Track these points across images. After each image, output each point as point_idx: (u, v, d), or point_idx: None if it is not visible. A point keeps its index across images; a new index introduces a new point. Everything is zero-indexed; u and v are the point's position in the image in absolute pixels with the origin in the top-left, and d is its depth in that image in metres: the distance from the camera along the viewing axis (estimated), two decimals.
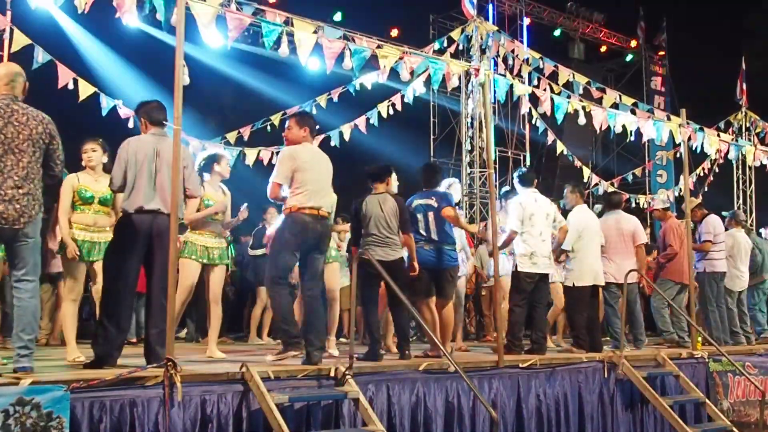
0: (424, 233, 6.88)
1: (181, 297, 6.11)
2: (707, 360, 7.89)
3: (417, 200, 7.00)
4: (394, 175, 7.00)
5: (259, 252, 9.47)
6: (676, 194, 14.64)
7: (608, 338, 8.53)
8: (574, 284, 7.87)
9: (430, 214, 6.90)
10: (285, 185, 5.71)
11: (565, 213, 8.30)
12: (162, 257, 5.08)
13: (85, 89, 7.62)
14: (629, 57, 21.32)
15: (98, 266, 5.91)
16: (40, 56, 7.21)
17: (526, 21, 18.16)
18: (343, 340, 9.03)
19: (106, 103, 8.25)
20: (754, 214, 17.20)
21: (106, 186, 5.76)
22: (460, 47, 13.89)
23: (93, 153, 6.08)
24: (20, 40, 6.97)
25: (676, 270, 8.80)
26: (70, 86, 7.49)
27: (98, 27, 12.06)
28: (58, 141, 4.76)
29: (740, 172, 17.45)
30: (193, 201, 6.22)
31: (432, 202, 6.95)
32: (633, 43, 21.05)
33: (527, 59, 12.11)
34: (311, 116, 6.22)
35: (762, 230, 11.46)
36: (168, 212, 5.07)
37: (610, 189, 14.61)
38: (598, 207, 10.60)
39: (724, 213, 9.94)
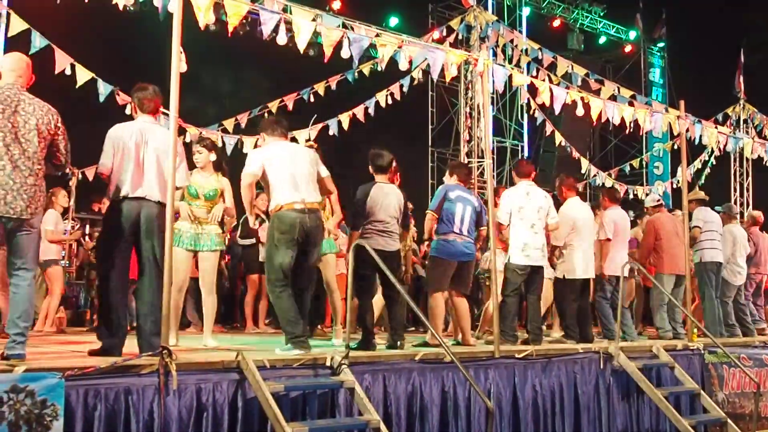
0: (459, 226, 6.93)
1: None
2: (703, 351, 7.89)
3: (458, 192, 7.03)
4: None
5: (248, 242, 9.43)
6: (674, 186, 14.64)
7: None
8: (564, 276, 7.87)
9: (469, 209, 6.99)
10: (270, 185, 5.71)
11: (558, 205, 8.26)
12: (150, 245, 5.04)
13: (83, 75, 7.58)
14: (628, 48, 21.25)
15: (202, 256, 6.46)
16: (38, 41, 7.16)
17: (525, 11, 18.12)
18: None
19: (103, 89, 8.21)
20: (750, 207, 17.18)
21: (214, 182, 6.38)
22: (460, 37, 13.85)
23: (199, 155, 6.45)
24: (17, 24, 6.93)
25: (667, 262, 8.78)
26: (68, 72, 7.45)
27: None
28: (64, 132, 4.74)
29: (737, 164, 17.46)
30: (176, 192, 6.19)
31: (474, 201, 7.10)
32: (632, 35, 20.97)
33: (526, 49, 12.09)
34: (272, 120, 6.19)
35: None
36: (155, 200, 5.06)
37: (608, 181, 14.64)
38: (631, 213, 10.52)
39: (717, 208, 9.90)
